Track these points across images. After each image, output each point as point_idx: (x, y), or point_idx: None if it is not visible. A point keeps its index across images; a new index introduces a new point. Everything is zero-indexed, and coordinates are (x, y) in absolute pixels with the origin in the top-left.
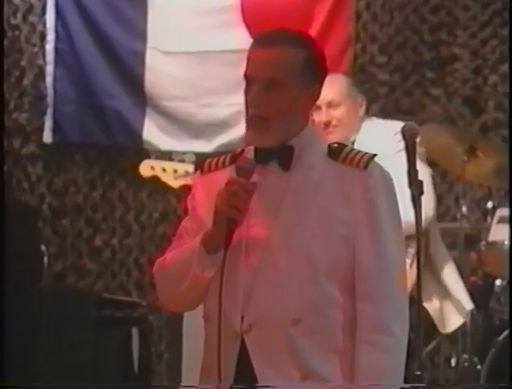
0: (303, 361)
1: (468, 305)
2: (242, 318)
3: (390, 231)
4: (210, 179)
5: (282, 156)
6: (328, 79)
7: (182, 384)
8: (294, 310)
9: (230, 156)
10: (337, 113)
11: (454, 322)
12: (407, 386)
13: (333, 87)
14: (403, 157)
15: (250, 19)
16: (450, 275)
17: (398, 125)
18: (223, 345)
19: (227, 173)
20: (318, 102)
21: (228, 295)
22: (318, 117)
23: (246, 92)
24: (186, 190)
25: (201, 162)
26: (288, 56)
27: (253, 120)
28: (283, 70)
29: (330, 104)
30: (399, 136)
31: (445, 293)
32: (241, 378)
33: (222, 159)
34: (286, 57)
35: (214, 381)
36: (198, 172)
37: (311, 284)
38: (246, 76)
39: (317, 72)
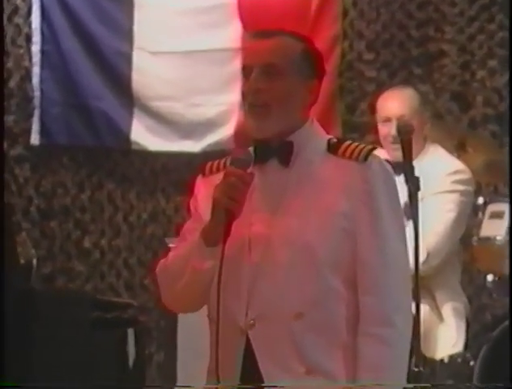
0: (307, 355)
1: (454, 346)
2: (246, 314)
3: (391, 223)
4: (211, 181)
5: (281, 152)
6: (400, 93)
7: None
8: (297, 305)
9: (230, 158)
10: None
11: (439, 352)
12: (411, 386)
13: (405, 102)
14: (451, 197)
15: (246, 16)
16: (449, 308)
17: (456, 164)
18: (226, 343)
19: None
20: (390, 114)
21: (232, 292)
22: (387, 129)
23: (244, 83)
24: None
25: (203, 165)
26: (287, 45)
27: (253, 108)
28: (282, 57)
29: (401, 119)
30: (454, 177)
31: (438, 319)
32: (247, 374)
33: (223, 161)
34: (285, 45)
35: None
36: (200, 175)
37: (313, 278)
38: (244, 68)
39: (315, 67)
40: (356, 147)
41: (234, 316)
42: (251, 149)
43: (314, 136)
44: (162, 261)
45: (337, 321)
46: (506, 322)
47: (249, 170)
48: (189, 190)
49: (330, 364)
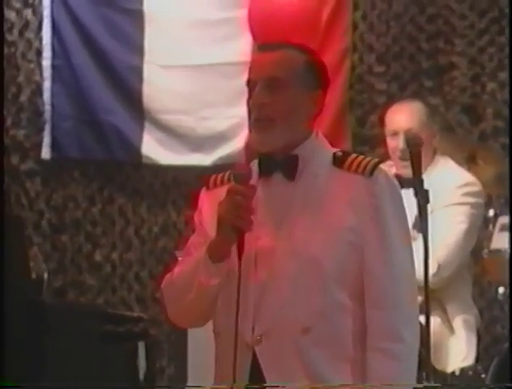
0: (314, 370)
1: (466, 359)
2: (253, 329)
3: (398, 236)
4: (215, 194)
5: (286, 166)
6: (407, 107)
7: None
8: (304, 319)
9: (232, 173)
10: None
11: (450, 365)
12: (421, 386)
13: (413, 116)
14: (462, 209)
15: (257, 29)
16: (460, 320)
17: (466, 177)
18: (231, 358)
19: (228, 187)
20: (396, 128)
21: (239, 307)
22: (395, 142)
23: (249, 98)
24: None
25: (206, 178)
26: (290, 57)
27: (258, 122)
28: (285, 70)
29: (409, 133)
30: (465, 189)
31: (449, 332)
32: None
33: (227, 174)
34: (288, 58)
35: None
36: (204, 188)
37: (320, 292)
38: (249, 82)
39: (319, 77)
40: (362, 160)
41: (240, 331)
42: (255, 162)
43: (319, 149)
44: (168, 276)
45: (344, 335)
46: None
47: (251, 182)
48: (193, 203)
49: (338, 378)
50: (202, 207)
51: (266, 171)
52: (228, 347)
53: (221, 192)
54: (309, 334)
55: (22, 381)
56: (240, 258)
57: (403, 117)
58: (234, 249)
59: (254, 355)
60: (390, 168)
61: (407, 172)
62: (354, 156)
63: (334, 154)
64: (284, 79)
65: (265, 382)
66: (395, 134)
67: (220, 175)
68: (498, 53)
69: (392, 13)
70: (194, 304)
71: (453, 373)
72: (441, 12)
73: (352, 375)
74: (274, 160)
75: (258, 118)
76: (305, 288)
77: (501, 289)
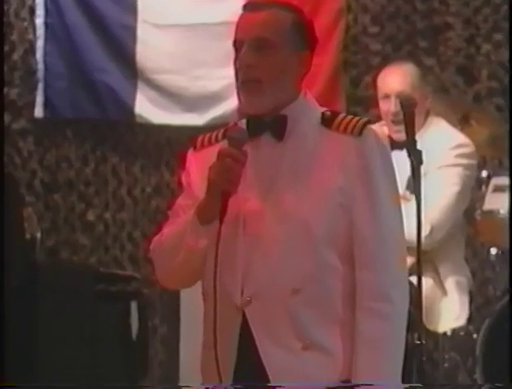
0: (304, 331)
1: (457, 319)
2: (242, 291)
3: (387, 197)
4: (203, 155)
5: (275, 126)
6: (399, 69)
7: (180, 358)
8: (293, 280)
9: (222, 131)
10: None
11: (442, 325)
12: (407, 385)
13: (405, 78)
14: (454, 170)
15: None
16: (452, 282)
17: (459, 138)
18: (222, 321)
19: (219, 148)
20: (388, 91)
21: (227, 269)
22: (387, 106)
23: (236, 59)
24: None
25: (194, 138)
26: (278, 17)
27: (246, 84)
28: (272, 30)
29: (401, 95)
30: (457, 151)
31: (442, 293)
32: (244, 351)
33: (215, 134)
34: (275, 18)
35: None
36: (192, 148)
37: (309, 253)
38: (235, 42)
39: (306, 37)
40: (351, 120)
41: (229, 293)
42: (243, 122)
43: (308, 109)
44: (156, 238)
45: (333, 296)
46: (508, 297)
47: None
48: (180, 164)
49: (328, 339)
50: (189, 168)
51: (254, 131)
52: (218, 309)
53: (209, 152)
54: (299, 295)
55: (17, 340)
56: (221, 220)
57: (394, 79)
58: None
59: (244, 317)
60: (382, 127)
61: (400, 136)
62: (343, 115)
63: (323, 114)
64: (272, 40)
65: (255, 343)
66: (387, 96)
67: (208, 135)
68: (493, 14)
69: None
70: (183, 266)
71: (444, 333)
72: None
73: (342, 337)
74: (262, 120)
75: (246, 80)
76: (295, 250)
77: (493, 250)
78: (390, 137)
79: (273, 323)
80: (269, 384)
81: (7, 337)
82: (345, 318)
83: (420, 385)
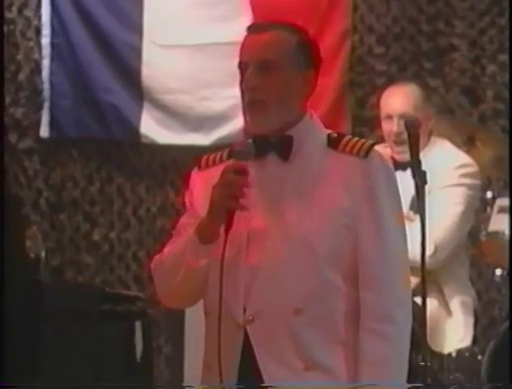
0: (306, 351)
1: (462, 341)
2: (244, 309)
3: (391, 219)
4: (207, 174)
5: (280, 146)
6: (401, 90)
7: (184, 378)
8: (296, 300)
9: (227, 151)
10: None
11: (447, 346)
12: (409, 385)
13: (408, 99)
14: (458, 190)
15: (258, 9)
16: (457, 302)
17: (463, 158)
18: (224, 338)
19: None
20: (390, 112)
21: (230, 287)
22: (389, 126)
23: (241, 80)
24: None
25: (198, 158)
26: (281, 38)
27: (251, 105)
28: (276, 51)
29: (403, 117)
30: (461, 171)
31: (447, 314)
32: (245, 370)
33: (219, 154)
34: (279, 39)
35: (216, 378)
36: (196, 168)
37: (313, 273)
38: (241, 63)
39: (311, 57)
40: (357, 142)
41: (231, 311)
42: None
43: (314, 130)
44: (157, 256)
45: (336, 316)
46: None
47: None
48: (184, 184)
49: (330, 360)
50: (193, 187)
51: (260, 152)
52: (217, 326)
53: (213, 172)
54: (301, 315)
55: (20, 359)
56: (226, 237)
57: (397, 100)
58: (224, 230)
59: (246, 335)
60: (386, 149)
61: (402, 156)
62: (349, 137)
63: (329, 135)
64: (276, 61)
65: (257, 362)
66: (389, 117)
67: (212, 155)
68: (498, 35)
69: None
70: (183, 285)
71: (449, 354)
72: None
73: (344, 358)
74: (268, 140)
75: (251, 101)
76: (298, 269)
77: (498, 271)
78: (392, 158)
79: (275, 343)
80: (270, 384)
81: (11, 357)
82: (348, 338)
83: (421, 385)
